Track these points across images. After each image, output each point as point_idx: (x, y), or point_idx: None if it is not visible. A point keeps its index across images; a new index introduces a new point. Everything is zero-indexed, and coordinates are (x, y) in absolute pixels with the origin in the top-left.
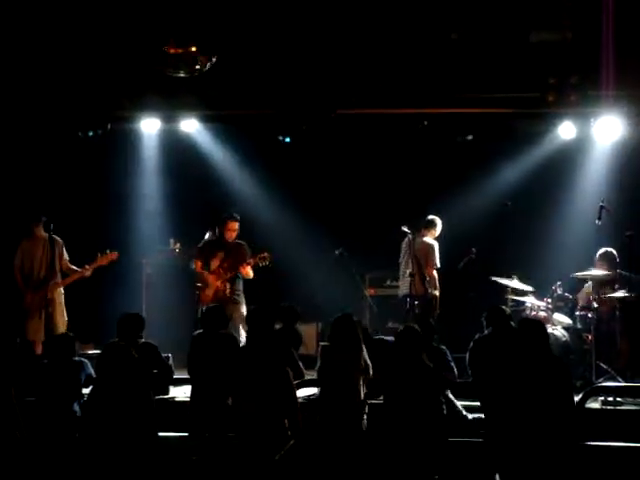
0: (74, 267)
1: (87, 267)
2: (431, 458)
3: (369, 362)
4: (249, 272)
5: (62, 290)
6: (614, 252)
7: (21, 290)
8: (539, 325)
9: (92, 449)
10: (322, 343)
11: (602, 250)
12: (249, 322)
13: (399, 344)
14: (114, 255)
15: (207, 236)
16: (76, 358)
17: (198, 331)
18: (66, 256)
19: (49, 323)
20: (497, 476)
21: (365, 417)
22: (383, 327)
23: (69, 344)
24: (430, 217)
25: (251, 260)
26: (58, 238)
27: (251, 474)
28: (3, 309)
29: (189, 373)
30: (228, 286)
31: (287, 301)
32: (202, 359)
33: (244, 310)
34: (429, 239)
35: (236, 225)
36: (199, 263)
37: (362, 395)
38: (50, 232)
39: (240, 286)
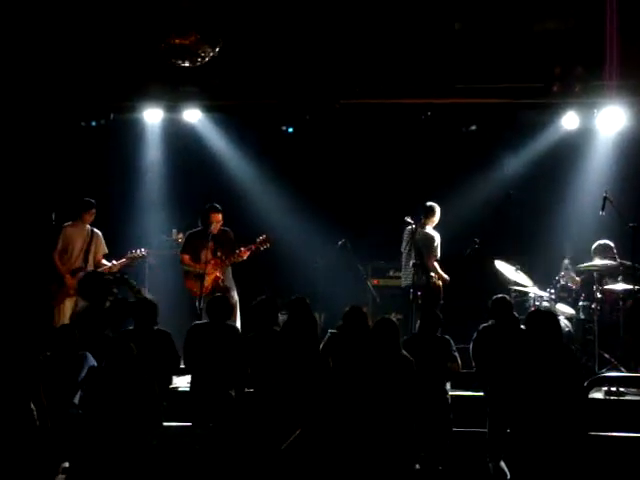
0: (105, 262)
1: (114, 263)
2: (435, 448)
3: None
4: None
5: None
6: (610, 244)
7: (57, 274)
8: (549, 316)
9: (92, 438)
10: (331, 330)
11: (598, 242)
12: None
13: (376, 336)
14: (144, 253)
15: None
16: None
17: (201, 321)
18: (104, 250)
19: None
20: (502, 464)
21: None
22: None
23: (72, 336)
24: (429, 204)
25: (252, 246)
26: (98, 231)
27: (256, 463)
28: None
29: (186, 363)
30: (222, 274)
31: (290, 292)
32: (207, 349)
33: (236, 296)
34: (431, 230)
35: (219, 217)
36: (186, 256)
37: None
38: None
39: (230, 273)
